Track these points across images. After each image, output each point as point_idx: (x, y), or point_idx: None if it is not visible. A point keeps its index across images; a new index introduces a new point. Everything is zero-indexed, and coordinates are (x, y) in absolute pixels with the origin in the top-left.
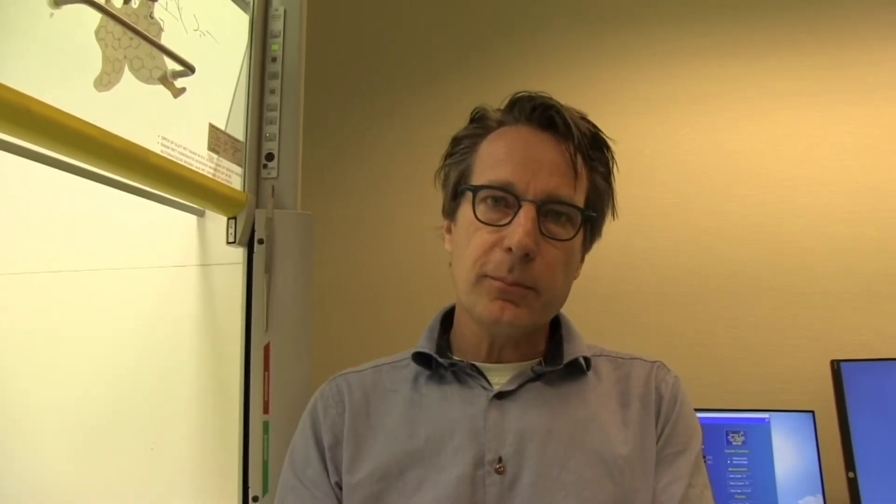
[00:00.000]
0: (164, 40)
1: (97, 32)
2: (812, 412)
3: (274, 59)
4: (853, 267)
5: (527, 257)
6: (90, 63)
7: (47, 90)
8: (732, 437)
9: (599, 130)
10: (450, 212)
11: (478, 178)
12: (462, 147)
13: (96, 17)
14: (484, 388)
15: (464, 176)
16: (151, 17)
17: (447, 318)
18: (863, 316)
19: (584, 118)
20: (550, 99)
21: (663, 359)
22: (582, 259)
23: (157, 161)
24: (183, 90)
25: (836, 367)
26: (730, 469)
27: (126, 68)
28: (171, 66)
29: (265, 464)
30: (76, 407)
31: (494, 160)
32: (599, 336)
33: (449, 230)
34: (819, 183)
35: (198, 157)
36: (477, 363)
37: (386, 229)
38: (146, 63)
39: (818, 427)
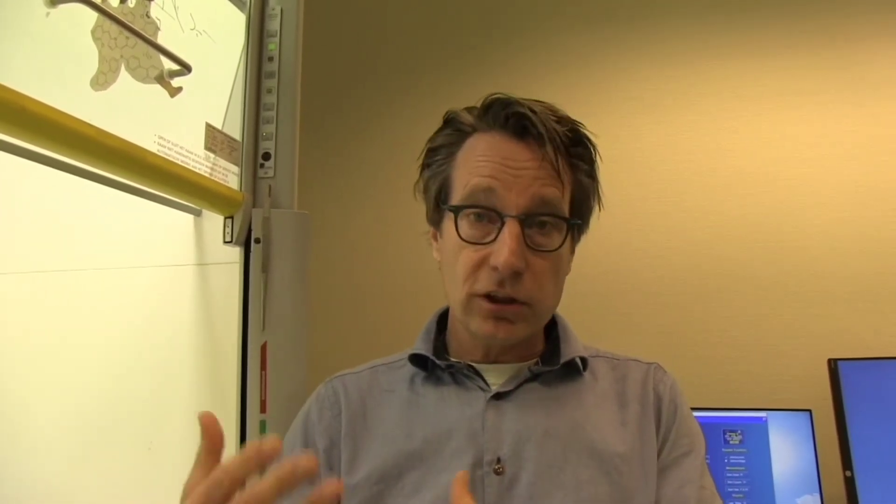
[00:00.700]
0: (161, 39)
1: (93, 32)
2: (809, 411)
3: (270, 59)
4: (851, 266)
5: (515, 274)
6: (86, 62)
7: (43, 89)
8: (730, 436)
9: (579, 124)
10: (434, 221)
11: (457, 194)
12: (438, 158)
13: (93, 16)
14: (481, 388)
15: (444, 188)
16: (148, 17)
17: (443, 319)
18: (860, 315)
19: (561, 118)
20: (523, 105)
21: (661, 358)
22: (572, 253)
23: (153, 160)
24: (179, 89)
25: (834, 365)
26: (727, 468)
27: (123, 67)
28: (168, 65)
29: None
30: (73, 406)
31: (473, 175)
32: (597, 336)
33: (436, 238)
34: (818, 182)
35: (194, 156)
36: (474, 364)
37: (382, 229)
38: (143, 62)
39: (815, 426)
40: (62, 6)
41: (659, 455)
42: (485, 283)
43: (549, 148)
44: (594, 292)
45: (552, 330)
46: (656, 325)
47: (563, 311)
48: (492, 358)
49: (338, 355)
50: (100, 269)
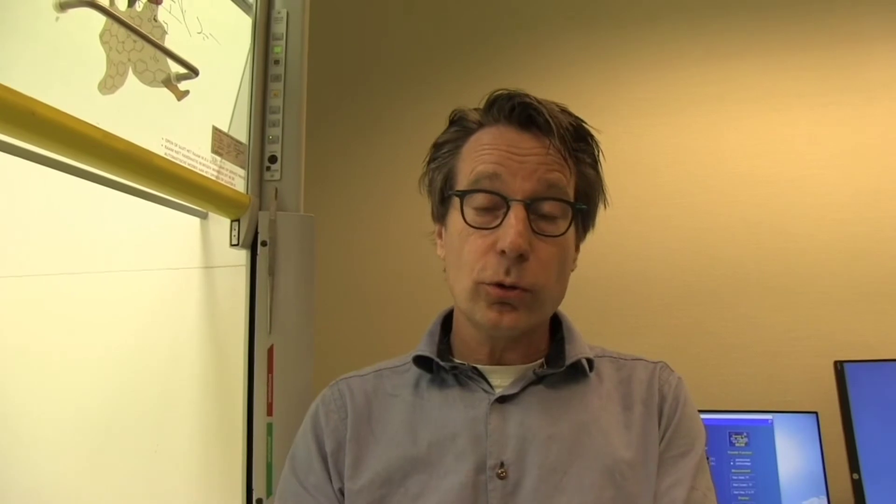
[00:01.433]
0: (168, 43)
1: (101, 36)
2: (815, 413)
3: (276, 62)
4: (857, 268)
5: (521, 258)
6: (94, 66)
7: (52, 92)
8: (735, 438)
9: (582, 121)
10: (439, 217)
11: (462, 182)
12: (444, 151)
13: (101, 20)
14: (485, 391)
15: (448, 180)
16: (155, 20)
17: (447, 321)
18: (866, 317)
19: (564, 111)
20: (528, 96)
21: (666, 360)
22: (577, 249)
23: (160, 163)
24: (186, 93)
25: (840, 367)
26: (733, 470)
27: (130, 71)
28: (175, 68)
29: (269, 466)
30: (79, 409)
31: (478, 162)
32: (602, 338)
33: (440, 235)
34: (823, 184)
35: (201, 159)
36: (478, 366)
37: (388, 231)
38: (150, 66)
39: (822, 428)
40: (71, 10)
41: (661, 455)
42: (492, 270)
43: (554, 136)
44: (599, 295)
45: (557, 330)
46: (661, 327)
47: (568, 310)
48: (496, 358)
49: (344, 358)
50: (106, 272)
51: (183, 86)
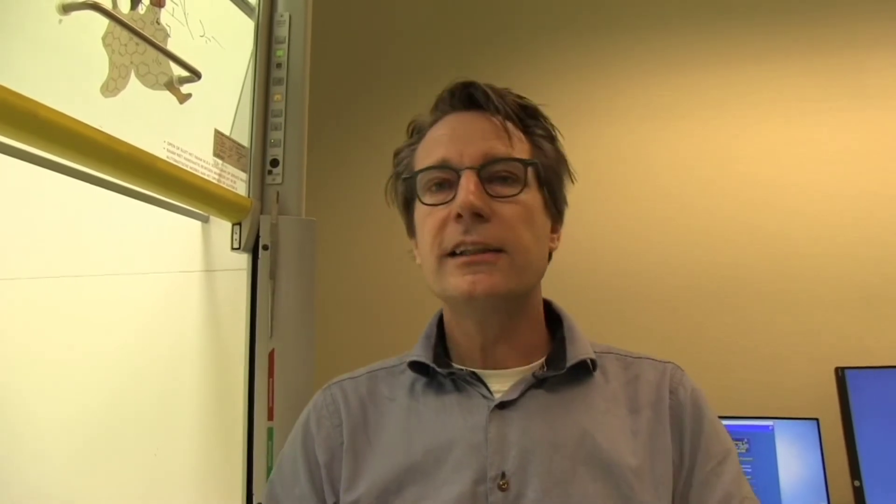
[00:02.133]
0: (171, 46)
1: (104, 38)
2: (816, 420)
3: (279, 65)
4: (858, 273)
5: (479, 217)
6: (97, 69)
7: (54, 95)
8: (736, 444)
9: (526, 99)
10: (408, 224)
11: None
12: (402, 157)
13: (103, 23)
14: (484, 396)
15: (409, 182)
16: (158, 23)
17: (443, 323)
18: (867, 323)
19: (507, 90)
20: (467, 79)
21: (673, 360)
22: (555, 229)
23: (162, 166)
24: (189, 96)
25: (841, 374)
26: None
27: (132, 74)
28: (178, 71)
29: (269, 470)
30: (80, 412)
31: (427, 151)
32: (601, 341)
33: (416, 244)
34: (823, 189)
35: (203, 162)
36: (476, 370)
37: (390, 235)
38: (152, 69)
39: (823, 435)
40: (74, 13)
41: (692, 470)
42: (451, 237)
43: (496, 109)
44: (600, 298)
45: (557, 330)
46: (661, 332)
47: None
48: (491, 356)
49: (345, 362)
50: (107, 275)
51: (185, 89)
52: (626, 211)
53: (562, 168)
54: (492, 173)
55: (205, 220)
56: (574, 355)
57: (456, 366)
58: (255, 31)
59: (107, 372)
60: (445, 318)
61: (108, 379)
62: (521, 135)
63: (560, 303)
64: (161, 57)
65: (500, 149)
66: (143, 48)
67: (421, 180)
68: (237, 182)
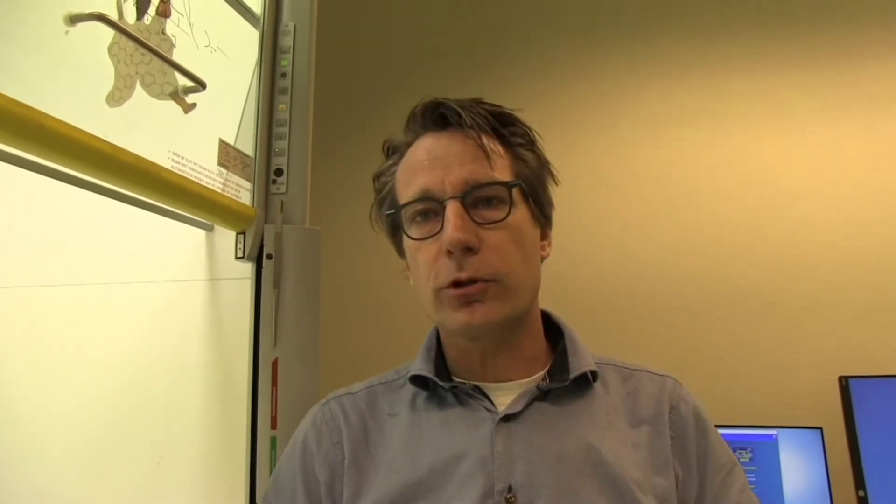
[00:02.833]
0: (176, 56)
1: (110, 49)
2: (820, 429)
3: (283, 75)
4: (862, 282)
5: (469, 251)
6: (103, 79)
7: (60, 106)
8: (740, 453)
9: (501, 107)
10: (400, 251)
11: (399, 202)
12: (382, 181)
13: (109, 33)
14: (488, 409)
15: (391, 207)
16: (163, 34)
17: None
18: (872, 332)
19: (481, 102)
20: (437, 97)
21: (671, 373)
22: (545, 236)
23: (167, 176)
24: (194, 106)
25: (845, 383)
26: None
27: (138, 84)
28: (183, 81)
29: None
30: (83, 421)
31: (408, 178)
32: (606, 350)
33: (408, 266)
34: (825, 197)
35: (207, 171)
36: (479, 383)
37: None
38: (158, 79)
39: (827, 444)
40: (80, 24)
41: (702, 483)
42: (445, 272)
43: (472, 126)
44: (602, 305)
45: (558, 341)
46: (666, 340)
47: (571, 323)
48: (491, 369)
49: (349, 371)
50: (111, 284)
51: (190, 98)
52: (628, 220)
53: (545, 173)
54: (476, 198)
55: (209, 229)
56: (577, 367)
57: (457, 380)
58: (260, 40)
59: (111, 380)
60: (442, 334)
61: (112, 387)
62: (500, 149)
63: (562, 311)
64: (166, 67)
65: (480, 173)
66: (149, 58)
67: (405, 213)
68: (241, 191)
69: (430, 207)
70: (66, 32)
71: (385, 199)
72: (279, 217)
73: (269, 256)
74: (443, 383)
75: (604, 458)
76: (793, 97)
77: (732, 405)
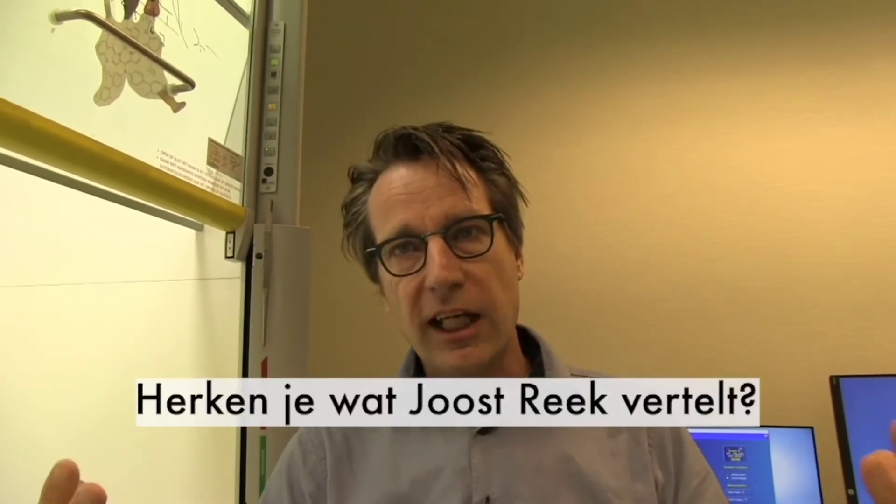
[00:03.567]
0: (165, 55)
1: (98, 47)
2: (811, 428)
3: (273, 74)
4: (853, 283)
5: (455, 287)
6: (90, 77)
7: (48, 104)
8: (731, 452)
9: (471, 131)
10: (373, 276)
11: (379, 238)
12: (354, 211)
13: (97, 31)
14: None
15: (366, 239)
16: (152, 32)
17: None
18: (862, 332)
19: (449, 127)
20: (406, 127)
21: (661, 373)
22: (518, 256)
23: (156, 175)
24: (183, 105)
25: (836, 382)
26: (728, 485)
27: (126, 83)
28: (171, 80)
29: (262, 479)
30: (72, 421)
31: (384, 212)
32: (597, 351)
33: (382, 293)
34: (820, 198)
35: (197, 171)
36: None
37: None
38: (146, 78)
39: (817, 443)
40: (67, 22)
41: (677, 490)
42: (429, 307)
43: (442, 158)
44: (594, 307)
45: (535, 355)
46: (657, 340)
47: (563, 326)
48: None
49: (338, 371)
50: (101, 284)
51: (179, 97)
52: (619, 222)
53: (515, 195)
54: (457, 231)
55: (199, 228)
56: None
57: None
58: (250, 39)
59: (99, 380)
60: (423, 359)
61: (101, 387)
62: (473, 176)
63: (552, 312)
64: (155, 66)
65: (460, 206)
66: (137, 57)
67: (384, 249)
68: (231, 191)
69: (411, 241)
70: (53, 30)
71: (358, 229)
72: (269, 216)
73: (259, 256)
74: None
75: (580, 468)
76: (784, 97)
77: None
